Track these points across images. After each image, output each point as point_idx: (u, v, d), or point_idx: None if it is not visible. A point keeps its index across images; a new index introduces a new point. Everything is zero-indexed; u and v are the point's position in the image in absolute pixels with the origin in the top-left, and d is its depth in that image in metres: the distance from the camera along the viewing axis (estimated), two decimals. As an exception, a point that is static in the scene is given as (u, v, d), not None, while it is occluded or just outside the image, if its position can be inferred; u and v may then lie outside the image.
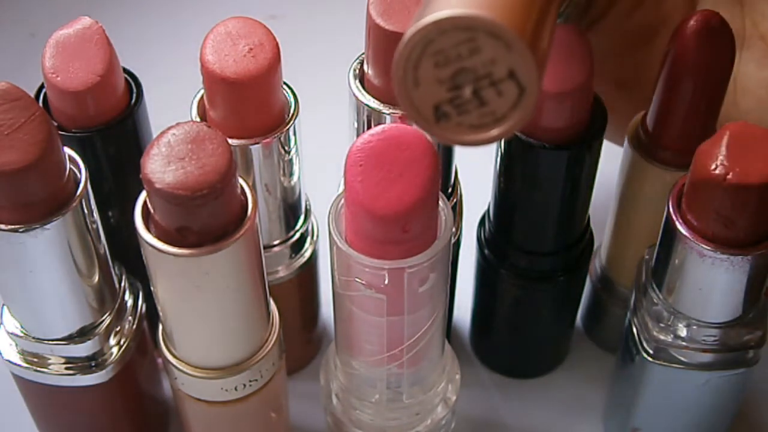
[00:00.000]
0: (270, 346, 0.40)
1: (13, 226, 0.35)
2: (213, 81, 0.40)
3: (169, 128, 0.34)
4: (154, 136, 0.34)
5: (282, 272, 0.47)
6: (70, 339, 0.41)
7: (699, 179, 0.37)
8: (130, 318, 0.43)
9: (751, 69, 0.44)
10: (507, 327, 0.51)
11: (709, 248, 0.38)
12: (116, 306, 0.42)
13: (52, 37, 0.41)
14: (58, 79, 0.40)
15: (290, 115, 0.42)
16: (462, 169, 0.46)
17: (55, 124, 0.40)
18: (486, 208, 0.48)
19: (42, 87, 0.42)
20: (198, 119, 0.42)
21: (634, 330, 0.43)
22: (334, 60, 0.50)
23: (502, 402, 0.52)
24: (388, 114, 0.40)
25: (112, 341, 0.42)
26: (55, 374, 0.41)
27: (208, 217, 0.34)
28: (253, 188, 0.37)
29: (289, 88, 0.43)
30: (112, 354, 0.42)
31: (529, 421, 0.51)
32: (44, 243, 0.36)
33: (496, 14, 0.25)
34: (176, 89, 0.47)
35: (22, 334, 0.41)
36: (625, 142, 0.46)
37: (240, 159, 0.41)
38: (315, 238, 0.49)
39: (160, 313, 0.39)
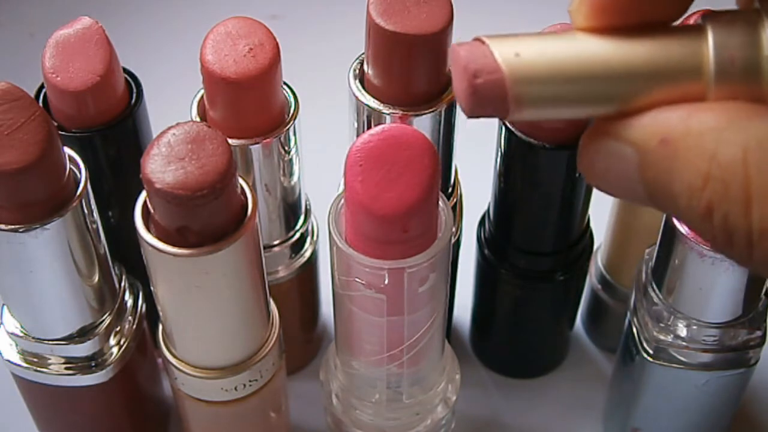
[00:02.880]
0: (270, 346, 0.40)
1: (13, 226, 0.35)
2: (213, 81, 0.40)
3: (169, 128, 0.34)
4: (154, 136, 0.34)
5: (282, 272, 0.47)
6: (70, 339, 0.41)
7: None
8: (130, 318, 0.43)
9: None
10: (507, 327, 0.51)
11: (708, 248, 0.38)
12: (116, 306, 0.42)
13: (52, 37, 0.41)
14: (58, 79, 0.40)
15: (290, 115, 0.42)
16: (462, 169, 0.46)
17: (55, 124, 0.40)
18: (486, 208, 0.48)
19: (42, 87, 0.42)
20: (198, 119, 0.42)
21: (634, 330, 0.43)
22: (334, 60, 0.50)
23: (502, 402, 0.52)
24: (388, 114, 0.40)
25: (112, 341, 0.42)
26: (55, 374, 0.41)
27: (208, 217, 0.34)
28: (253, 188, 0.37)
29: (289, 88, 0.43)
30: (112, 354, 0.42)
31: (529, 421, 0.51)
32: (44, 243, 0.36)
33: None
34: (176, 89, 0.47)
35: (22, 334, 0.41)
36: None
37: (240, 159, 0.41)
38: (315, 238, 0.49)
39: (160, 313, 0.39)
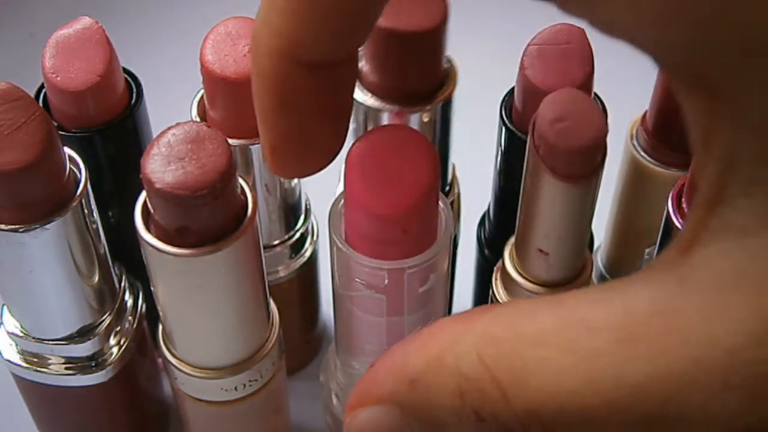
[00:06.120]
0: (270, 346, 0.40)
1: (13, 226, 0.35)
2: (213, 81, 0.40)
3: (169, 128, 0.34)
4: (154, 136, 0.34)
5: (282, 272, 0.47)
6: (70, 339, 0.41)
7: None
8: (130, 318, 0.43)
9: None
10: (507, 327, 0.51)
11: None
12: (116, 306, 0.42)
13: (52, 37, 0.41)
14: (58, 79, 0.40)
15: (290, 115, 0.42)
16: (461, 168, 0.46)
17: (55, 124, 0.40)
18: (486, 207, 0.48)
19: (42, 87, 0.42)
20: (198, 119, 0.42)
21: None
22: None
23: (502, 402, 0.52)
24: (384, 111, 0.40)
25: (112, 341, 0.42)
26: (55, 374, 0.41)
27: (208, 217, 0.34)
28: (253, 188, 0.37)
29: (289, 88, 0.43)
30: (112, 354, 0.42)
31: (529, 421, 0.51)
32: (44, 243, 0.36)
33: None
34: (176, 89, 0.47)
35: (22, 334, 0.41)
36: (625, 142, 0.46)
37: (240, 159, 0.41)
38: (315, 238, 0.48)
39: (160, 313, 0.39)
